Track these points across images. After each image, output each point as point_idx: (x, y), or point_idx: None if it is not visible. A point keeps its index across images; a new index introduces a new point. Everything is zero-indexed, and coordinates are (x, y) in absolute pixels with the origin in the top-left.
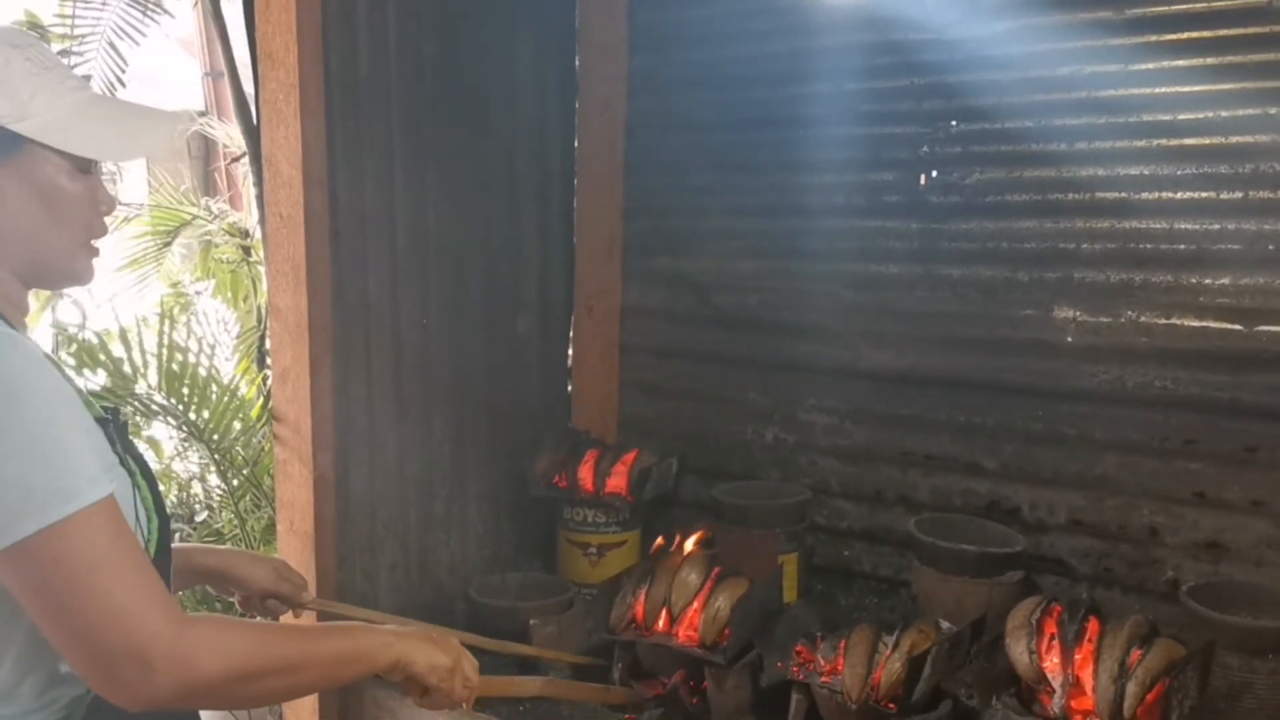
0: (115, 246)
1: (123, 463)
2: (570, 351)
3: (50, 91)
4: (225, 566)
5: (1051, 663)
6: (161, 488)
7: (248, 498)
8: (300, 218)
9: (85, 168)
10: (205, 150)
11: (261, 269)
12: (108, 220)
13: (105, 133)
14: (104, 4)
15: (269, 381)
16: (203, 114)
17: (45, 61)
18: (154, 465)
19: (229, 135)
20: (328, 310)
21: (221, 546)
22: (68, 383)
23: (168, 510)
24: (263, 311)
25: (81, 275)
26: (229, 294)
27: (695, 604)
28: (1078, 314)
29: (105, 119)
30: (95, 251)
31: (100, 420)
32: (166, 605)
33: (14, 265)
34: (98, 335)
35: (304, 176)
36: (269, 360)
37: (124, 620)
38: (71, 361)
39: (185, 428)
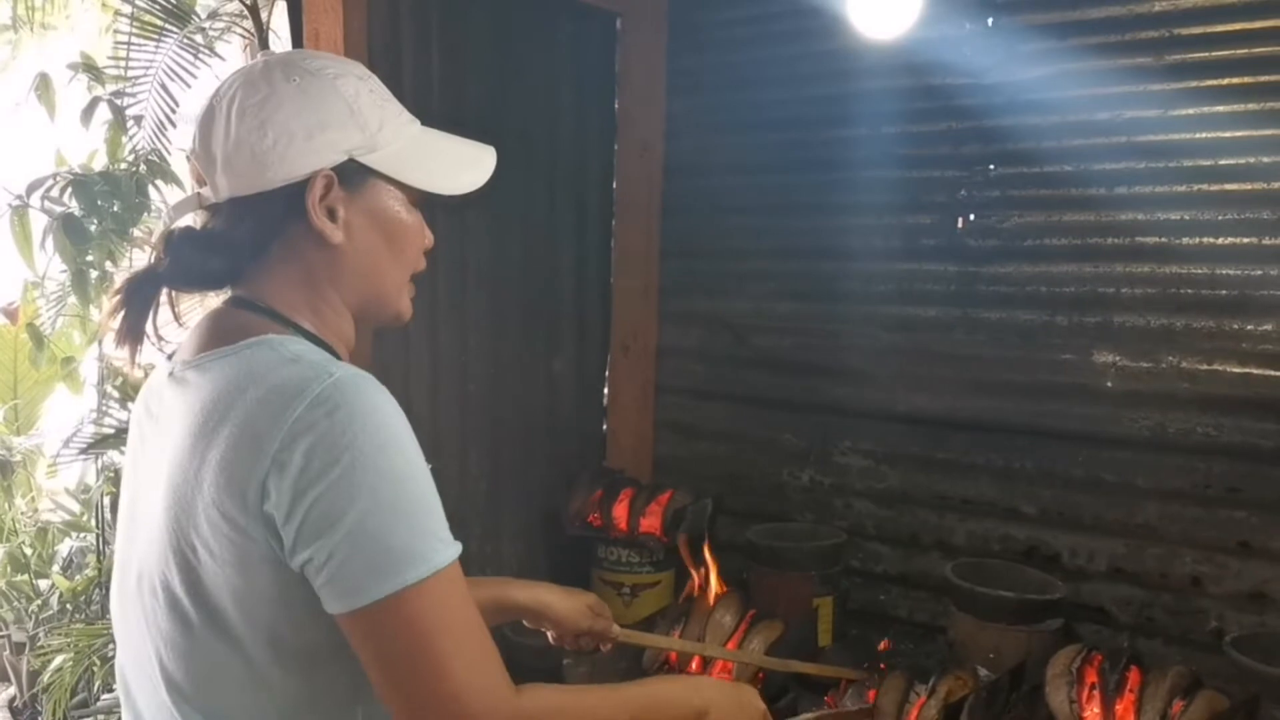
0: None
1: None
2: (606, 391)
3: (393, 124)
4: (541, 604)
5: (1092, 713)
6: None
7: None
8: None
9: (418, 201)
10: None
11: None
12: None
13: (439, 166)
14: (157, 47)
15: None
16: None
17: (384, 94)
18: None
19: None
20: (369, 345)
21: (534, 581)
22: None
23: None
24: None
25: (404, 313)
26: None
27: (729, 646)
28: (1118, 359)
29: (438, 153)
30: (413, 290)
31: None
32: (503, 679)
33: (350, 299)
34: (145, 370)
35: None
36: None
37: (461, 697)
38: (117, 396)
39: None
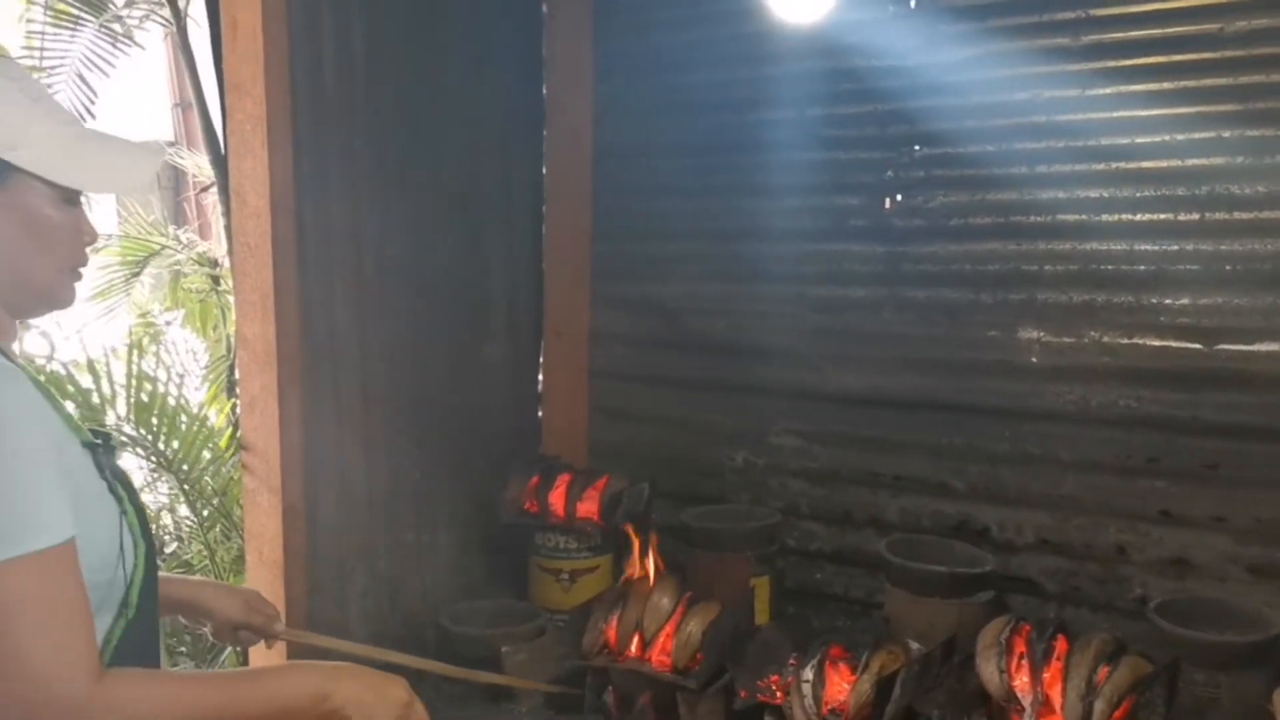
0: (84, 277)
1: (111, 489)
2: (540, 377)
3: (42, 123)
4: (195, 598)
5: (1021, 681)
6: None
7: (217, 528)
8: (268, 247)
9: (71, 198)
10: (175, 181)
11: (230, 298)
12: (89, 250)
13: (93, 165)
14: (73, 36)
15: (238, 410)
16: (172, 144)
17: (37, 94)
18: None
19: (198, 165)
20: (295, 339)
21: (193, 578)
22: (55, 411)
23: None
24: (232, 340)
25: (63, 301)
26: (198, 324)
27: (668, 628)
28: (1042, 335)
29: (93, 152)
30: (78, 278)
31: (88, 445)
32: (84, 663)
33: (1, 295)
34: (65, 366)
35: (271, 207)
36: (238, 389)
37: (33, 677)
38: None
39: (155, 458)
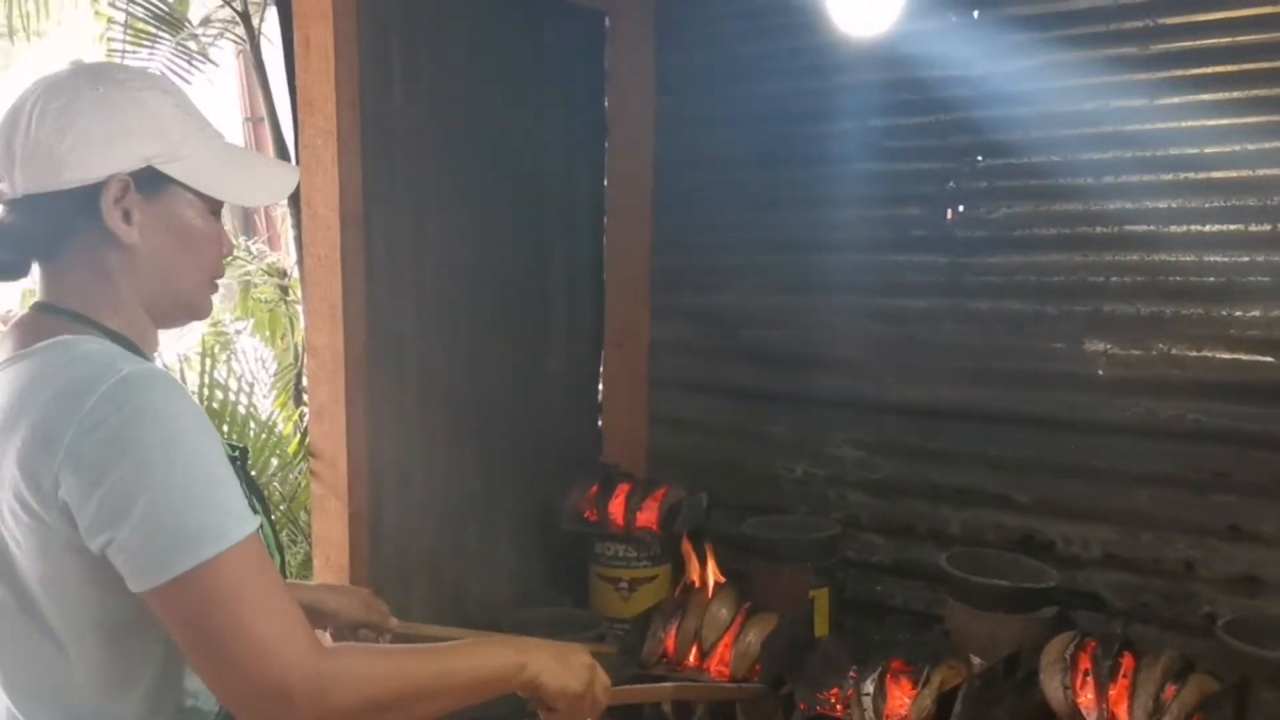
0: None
1: (249, 503)
2: (600, 387)
3: (195, 137)
4: (316, 600)
5: (1086, 698)
6: None
7: (284, 533)
8: (336, 258)
9: (216, 210)
10: None
11: (299, 308)
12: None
13: (238, 178)
14: (151, 54)
15: (305, 418)
16: None
17: (190, 108)
18: None
19: None
20: (362, 349)
21: (307, 582)
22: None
23: None
24: (299, 349)
25: (204, 311)
26: (267, 333)
27: (726, 638)
28: (1108, 347)
29: (238, 166)
30: (216, 289)
31: (230, 459)
32: (307, 639)
33: (146, 302)
34: None
35: (340, 218)
36: (305, 397)
37: (265, 656)
38: None
39: None
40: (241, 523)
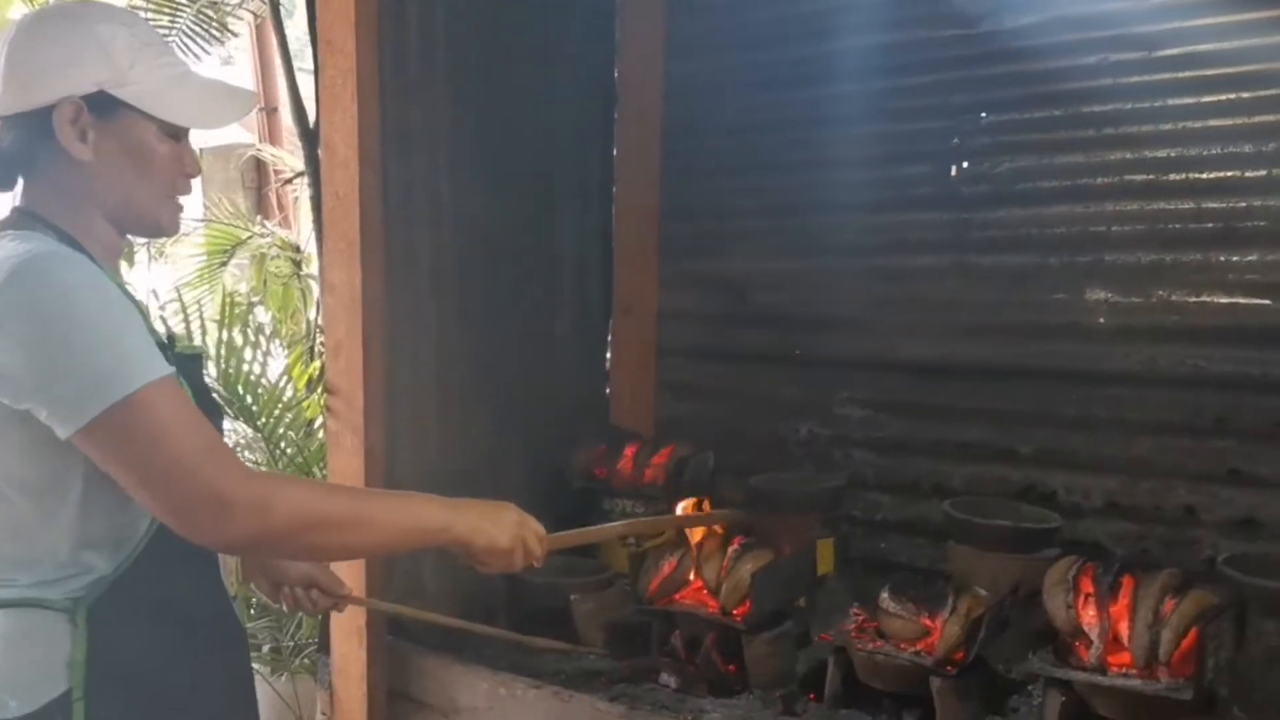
0: (178, 264)
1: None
2: (608, 353)
3: (147, 64)
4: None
5: (1089, 615)
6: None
7: None
8: (355, 195)
9: (173, 133)
10: (258, 180)
11: (312, 282)
12: (201, 178)
13: (191, 102)
14: (172, 22)
15: (319, 391)
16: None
17: (147, 39)
18: None
19: (280, 159)
20: (379, 288)
21: None
22: (131, 302)
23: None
24: (312, 324)
25: (166, 227)
26: (280, 305)
27: (722, 571)
28: (1109, 296)
29: (193, 91)
30: (179, 207)
31: (160, 345)
32: (235, 460)
33: (107, 213)
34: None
35: (359, 156)
36: (317, 362)
37: (200, 471)
38: None
39: (240, 415)
40: (147, 368)
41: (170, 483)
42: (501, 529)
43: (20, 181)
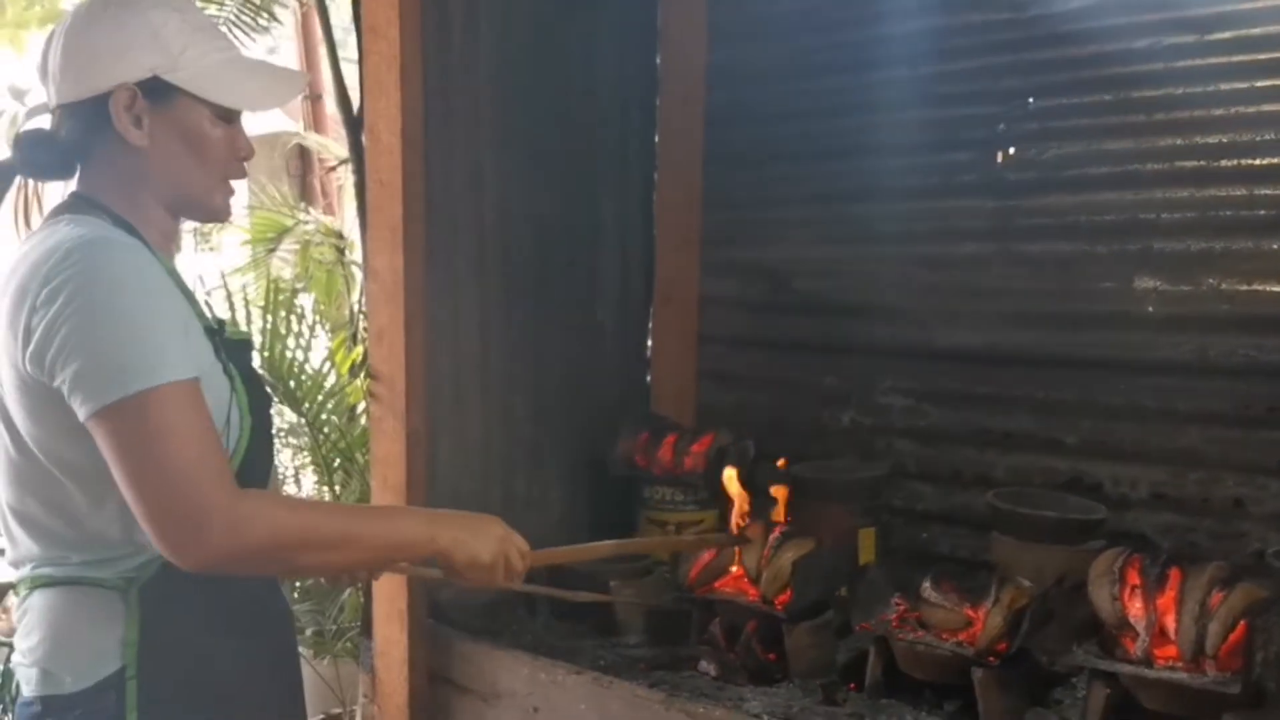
0: (224, 252)
1: (225, 370)
2: (649, 342)
3: (199, 49)
4: None
5: (1135, 608)
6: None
7: (339, 472)
8: (398, 181)
9: (226, 116)
10: (303, 168)
11: (355, 269)
12: (247, 165)
13: (243, 84)
14: (220, 9)
15: (362, 377)
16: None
17: (199, 23)
18: None
19: (325, 147)
20: (421, 275)
21: None
22: (180, 292)
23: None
24: (355, 310)
25: (220, 211)
26: (324, 291)
27: (762, 560)
28: (1158, 284)
29: (244, 74)
30: (231, 191)
31: (209, 330)
32: (223, 477)
33: (162, 199)
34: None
35: (403, 143)
36: (360, 348)
37: (182, 485)
38: None
39: (285, 401)
40: (174, 368)
41: (154, 486)
42: (484, 543)
43: (78, 168)
